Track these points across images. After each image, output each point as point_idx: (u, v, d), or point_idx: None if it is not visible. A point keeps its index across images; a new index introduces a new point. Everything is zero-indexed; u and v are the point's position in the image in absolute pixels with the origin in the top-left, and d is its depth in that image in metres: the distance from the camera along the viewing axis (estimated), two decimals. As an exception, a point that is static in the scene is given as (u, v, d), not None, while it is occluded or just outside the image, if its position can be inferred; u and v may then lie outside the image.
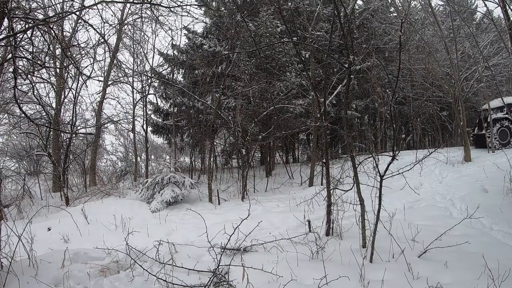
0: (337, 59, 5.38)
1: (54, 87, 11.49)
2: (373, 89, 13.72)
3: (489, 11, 10.36)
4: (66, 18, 9.31)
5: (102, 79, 12.45)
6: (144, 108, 13.31)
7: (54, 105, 11.46)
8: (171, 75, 13.92)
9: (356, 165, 4.51)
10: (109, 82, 12.83)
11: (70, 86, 11.34)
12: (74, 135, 11.25)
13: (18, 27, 4.38)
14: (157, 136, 15.35)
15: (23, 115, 8.83)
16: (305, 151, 15.87)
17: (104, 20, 6.95)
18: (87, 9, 6.91)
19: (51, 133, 10.58)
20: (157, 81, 13.85)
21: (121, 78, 13.13)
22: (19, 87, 9.07)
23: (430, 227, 4.98)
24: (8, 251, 3.79)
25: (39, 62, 5.07)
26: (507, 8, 6.66)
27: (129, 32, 12.62)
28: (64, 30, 9.64)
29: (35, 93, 8.37)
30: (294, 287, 3.42)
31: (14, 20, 4.08)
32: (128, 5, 11.40)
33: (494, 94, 15.46)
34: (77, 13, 5.89)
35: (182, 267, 3.88)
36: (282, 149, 16.00)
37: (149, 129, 14.23)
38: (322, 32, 12.33)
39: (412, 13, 14.66)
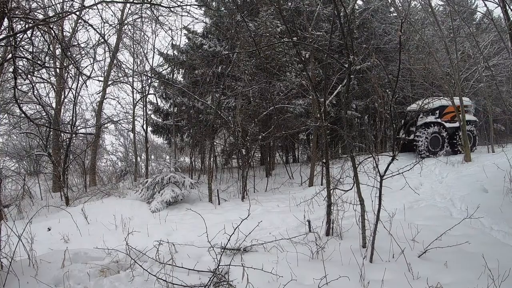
0: (337, 59, 5.38)
1: (54, 87, 11.48)
2: (373, 89, 13.70)
3: (489, 11, 10.37)
4: (66, 18, 9.31)
5: (102, 79, 12.43)
6: (144, 108, 13.30)
7: (54, 105, 11.44)
8: (171, 75, 13.91)
9: (356, 165, 4.51)
10: (109, 82, 12.81)
11: (70, 86, 11.32)
12: (74, 135, 11.24)
13: (18, 27, 4.39)
14: (157, 136, 15.32)
15: (23, 115, 8.82)
16: (305, 151, 15.85)
17: (104, 20, 6.96)
18: (87, 9, 6.91)
19: (51, 133, 10.57)
20: (157, 81, 13.84)
21: (121, 78, 13.12)
22: (19, 87, 9.07)
23: (430, 227, 4.99)
24: (8, 251, 3.79)
25: (39, 62, 5.07)
26: (507, 8, 6.66)
27: (129, 32, 12.61)
28: (64, 30, 9.63)
29: (35, 93, 8.34)
30: (294, 287, 3.42)
31: (14, 20, 4.08)
32: (128, 5, 11.39)
33: (494, 94, 15.47)
34: (77, 13, 5.89)
35: (182, 267, 3.88)
36: (282, 149, 16.00)
37: (149, 129, 14.21)
38: (322, 32, 12.32)
39: (412, 13, 14.65)
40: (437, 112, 12.17)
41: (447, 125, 12.22)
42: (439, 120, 12.16)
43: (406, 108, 13.26)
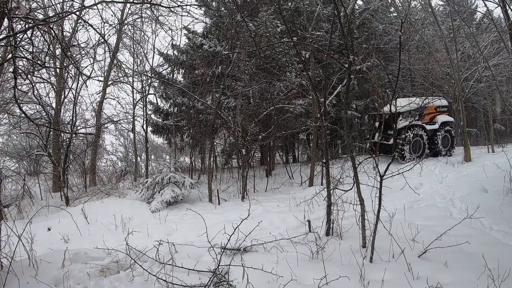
0: (337, 59, 5.38)
1: (54, 87, 11.47)
2: (373, 89, 13.69)
3: (489, 11, 10.36)
4: (66, 18, 9.30)
5: (102, 79, 12.43)
6: (144, 108, 13.31)
7: (54, 105, 11.43)
8: (171, 75, 13.91)
9: (356, 165, 4.51)
10: (109, 82, 12.81)
11: (70, 86, 11.32)
12: (74, 135, 11.23)
13: (18, 27, 4.39)
14: (157, 136, 15.32)
15: (23, 115, 8.83)
16: (305, 151, 15.84)
17: (104, 20, 6.96)
18: (87, 9, 6.91)
19: (51, 133, 10.57)
20: (157, 81, 13.84)
21: (121, 78, 13.12)
22: (19, 87, 9.06)
23: (430, 227, 4.99)
24: (8, 251, 3.79)
25: (39, 62, 5.07)
26: (507, 8, 6.66)
27: (129, 32, 12.61)
28: (64, 30, 9.64)
29: (35, 93, 8.36)
30: (294, 287, 3.42)
31: (14, 20, 4.08)
32: (128, 5, 11.38)
33: (494, 94, 15.46)
34: (77, 13, 5.89)
35: (182, 267, 3.88)
36: (282, 149, 15.99)
37: (149, 129, 14.22)
38: (322, 32, 12.32)
39: (412, 13, 14.66)
40: (417, 113, 11.75)
41: (427, 127, 11.87)
42: (419, 122, 11.76)
43: (382, 109, 12.91)
